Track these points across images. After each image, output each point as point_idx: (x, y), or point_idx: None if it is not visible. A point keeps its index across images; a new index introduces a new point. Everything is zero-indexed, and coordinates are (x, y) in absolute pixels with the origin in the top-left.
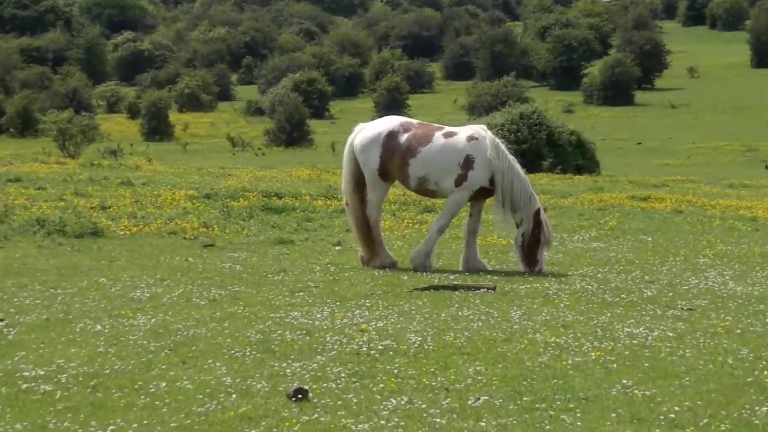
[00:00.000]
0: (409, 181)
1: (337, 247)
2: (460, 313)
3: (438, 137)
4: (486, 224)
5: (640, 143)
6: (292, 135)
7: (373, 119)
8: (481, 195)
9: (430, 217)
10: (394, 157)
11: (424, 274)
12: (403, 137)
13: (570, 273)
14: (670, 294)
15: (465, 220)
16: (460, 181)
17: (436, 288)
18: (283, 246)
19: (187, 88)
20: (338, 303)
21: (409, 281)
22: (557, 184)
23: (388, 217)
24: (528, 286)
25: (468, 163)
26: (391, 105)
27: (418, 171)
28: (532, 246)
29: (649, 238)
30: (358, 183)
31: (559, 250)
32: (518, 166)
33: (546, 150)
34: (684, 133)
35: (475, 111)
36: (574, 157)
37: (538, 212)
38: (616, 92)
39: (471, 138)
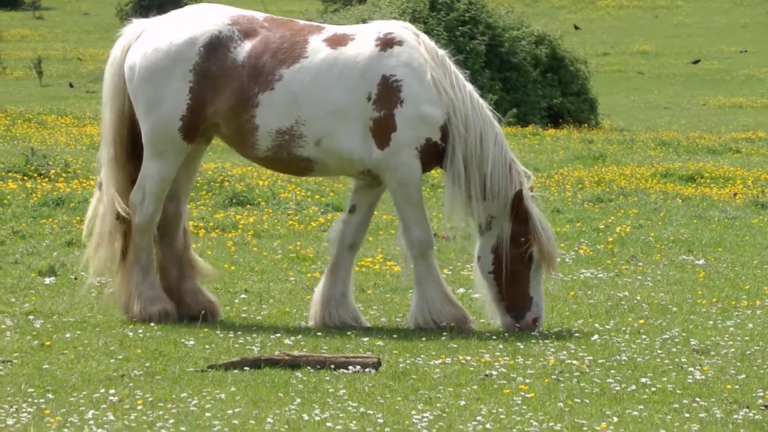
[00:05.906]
0: (255, 138)
1: (48, 279)
2: (303, 420)
3: (317, 45)
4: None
5: (697, 61)
6: None
7: (154, 11)
8: (426, 161)
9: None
10: (222, 93)
11: (232, 333)
12: (243, 48)
13: (536, 334)
14: (741, 377)
15: (336, 222)
16: (383, 132)
17: (256, 363)
18: None
19: None
20: (50, 398)
21: (198, 349)
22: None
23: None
24: (448, 359)
25: (389, 91)
26: None
27: (278, 117)
28: (516, 271)
29: (700, 261)
30: (129, 143)
31: None
32: (484, 103)
33: (487, 75)
34: None
35: None
36: (544, 90)
37: (519, 198)
38: None
39: (386, 41)
